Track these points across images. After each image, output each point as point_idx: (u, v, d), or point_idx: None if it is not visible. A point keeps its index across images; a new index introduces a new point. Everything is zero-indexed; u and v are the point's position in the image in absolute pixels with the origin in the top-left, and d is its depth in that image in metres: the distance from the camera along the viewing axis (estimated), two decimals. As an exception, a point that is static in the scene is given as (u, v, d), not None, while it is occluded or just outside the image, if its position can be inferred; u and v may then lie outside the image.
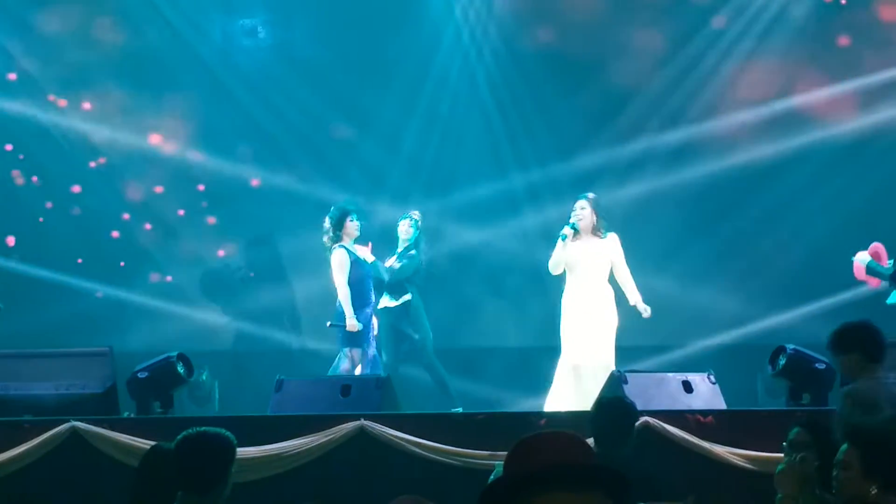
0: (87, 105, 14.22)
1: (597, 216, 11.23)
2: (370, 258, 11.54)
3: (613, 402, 6.98)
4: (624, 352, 11.32)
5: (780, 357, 9.63)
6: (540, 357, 13.46)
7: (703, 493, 6.97)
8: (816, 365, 9.50)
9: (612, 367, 10.63)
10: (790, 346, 9.67)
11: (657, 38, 14.30)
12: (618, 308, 11.21)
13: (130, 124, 14.21)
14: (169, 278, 14.16)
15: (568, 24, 14.34)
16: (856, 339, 7.22)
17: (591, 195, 11.40)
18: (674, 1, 14.36)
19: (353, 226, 11.43)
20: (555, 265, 11.18)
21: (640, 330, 11.76)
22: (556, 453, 2.96)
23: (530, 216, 14.09)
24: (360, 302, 11.32)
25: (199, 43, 14.42)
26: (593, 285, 11.14)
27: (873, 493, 4.88)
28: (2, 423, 8.98)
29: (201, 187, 14.33)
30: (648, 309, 11.21)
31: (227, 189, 14.34)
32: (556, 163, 14.28)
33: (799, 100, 14.12)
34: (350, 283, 11.28)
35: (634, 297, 11.24)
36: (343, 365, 11.25)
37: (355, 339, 11.25)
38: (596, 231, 11.21)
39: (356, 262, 11.36)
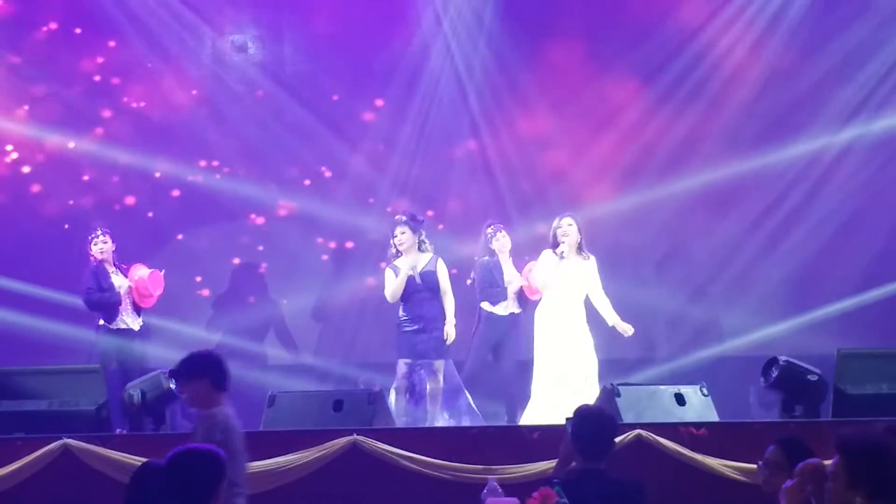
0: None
1: (580, 235, 11.25)
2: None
3: (594, 413, 6.96)
4: (615, 364, 11.34)
5: (773, 369, 9.65)
6: (532, 371, 13.50)
7: (696, 506, 6.98)
8: (809, 376, 9.52)
9: (594, 380, 10.67)
10: (782, 358, 9.68)
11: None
12: (600, 325, 11.24)
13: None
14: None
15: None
16: (204, 366, 7.28)
17: (574, 214, 11.43)
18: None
19: None
20: (544, 283, 11.16)
21: (632, 342, 11.76)
22: None
23: (522, 229, 14.09)
24: None
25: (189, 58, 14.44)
26: (572, 305, 11.14)
27: (858, 502, 4.87)
28: (-6, 441, 8.97)
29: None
30: (630, 328, 11.20)
31: (217, 204, 14.31)
32: (545, 175, 14.27)
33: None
34: None
35: (613, 318, 11.23)
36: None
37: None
38: (580, 251, 11.22)
39: None
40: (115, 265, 11.58)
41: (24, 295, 13.17)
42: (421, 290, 11.23)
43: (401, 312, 11.30)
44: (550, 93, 14.35)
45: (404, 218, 11.40)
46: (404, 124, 14.30)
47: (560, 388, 10.74)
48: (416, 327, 11.15)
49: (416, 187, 14.19)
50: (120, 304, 11.41)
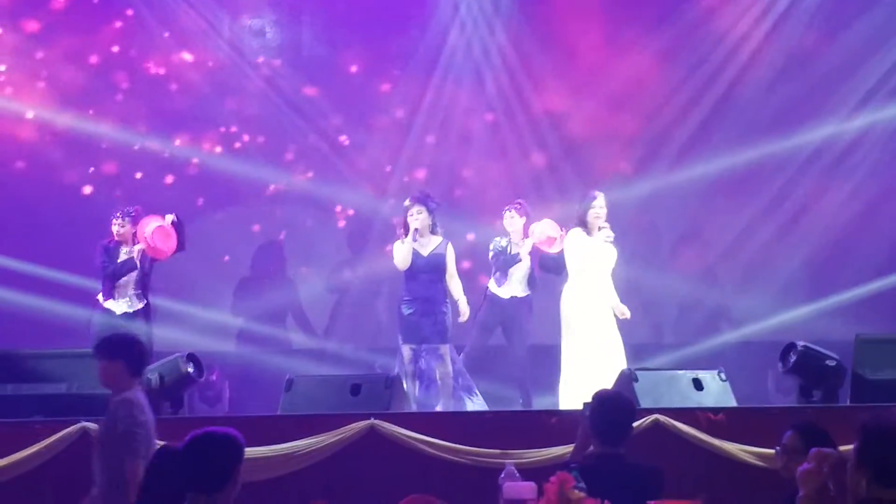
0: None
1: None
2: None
3: (612, 398, 6.96)
4: (633, 349, 11.30)
5: (791, 354, 9.62)
6: (551, 355, 13.48)
7: (714, 491, 6.97)
8: (827, 362, 9.50)
9: (623, 364, 10.63)
10: (801, 343, 9.65)
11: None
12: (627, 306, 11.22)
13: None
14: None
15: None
16: (122, 349, 7.33)
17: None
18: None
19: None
20: (582, 262, 11.14)
21: (650, 328, 11.77)
22: None
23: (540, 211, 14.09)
24: None
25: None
26: (603, 286, 11.10)
27: (863, 484, 4.88)
28: (13, 424, 9.00)
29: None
30: (627, 311, 11.17)
31: (235, 189, 14.35)
32: (563, 160, 14.27)
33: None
34: None
35: (614, 300, 11.21)
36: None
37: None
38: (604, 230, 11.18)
39: None
40: (131, 248, 11.57)
41: (42, 278, 13.21)
42: (427, 271, 11.18)
43: (403, 292, 11.28)
44: (567, 74, 14.32)
45: (422, 197, 11.38)
46: (421, 98, 14.30)
47: (589, 372, 10.67)
48: (419, 310, 11.12)
49: (439, 167, 14.21)
50: (134, 271, 11.38)
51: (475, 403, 11.01)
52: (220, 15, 14.55)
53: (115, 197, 13.78)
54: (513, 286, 11.74)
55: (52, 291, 13.13)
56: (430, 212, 11.24)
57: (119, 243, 11.47)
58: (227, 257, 14.31)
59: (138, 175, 14.33)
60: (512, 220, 11.69)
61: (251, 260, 14.36)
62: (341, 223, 14.52)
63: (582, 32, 14.30)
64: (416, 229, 11.09)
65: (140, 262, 11.36)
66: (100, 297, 11.39)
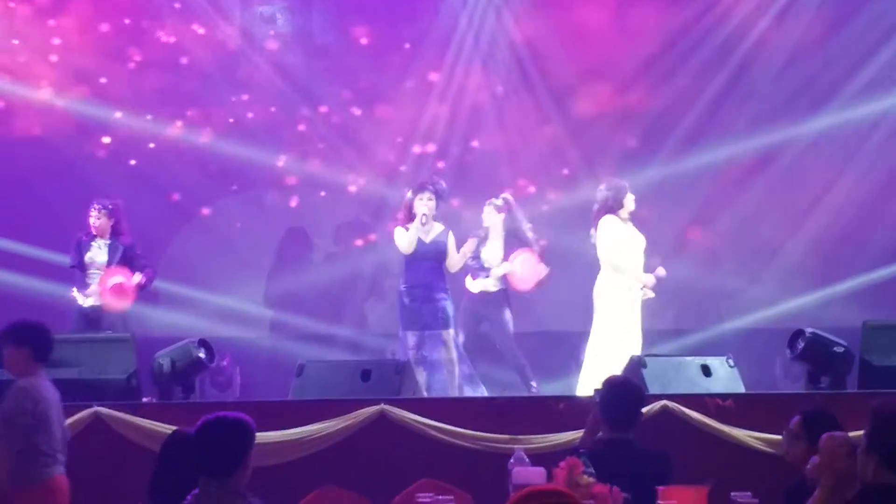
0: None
1: None
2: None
3: (622, 383, 7.00)
4: (642, 335, 11.31)
5: (799, 340, 9.62)
6: (561, 341, 13.51)
7: (722, 477, 6.98)
8: (835, 348, 9.50)
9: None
10: (809, 330, 9.66)
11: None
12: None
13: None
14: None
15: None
16: (29, 336, 7.51)
17: None
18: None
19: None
20: (623, 251, 11.05)
21: (659, 314, 11.77)
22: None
23: (555, 199, 14.11)
24: None
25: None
26: (637, 274, 11.14)
27: (872, 467, 4.91)
28: (25, 409, 9.02)
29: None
30: (661, 271, 11.18)
31: (249, 176, 14.39)
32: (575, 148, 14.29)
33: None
34: None
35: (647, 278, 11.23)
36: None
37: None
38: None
39: None
40: (110, 238, 11.59)
41: (50, 262, 13.25)
42: (428, 258, 11.20)
43: (403, 279, 11.31)
44: (577, 58, 14.34)
45: (431, 184, 11.39)
46: (433, 77, 14.35)
47: (614, 361, 10.64)
48: (419, 296, 11.14)
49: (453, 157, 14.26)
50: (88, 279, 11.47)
51: (476, 392, 11.04)
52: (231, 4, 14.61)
53: (129, 166, 13.83)
54: (486, 282, 11.78)
55: (63, 276, 13.16)
56: (439, 198, 11.27)
57: (95, 236, 11.53)
58: (234, 241, 14.32)
59: (151, 145, 14.35)
60: (490, 216, 11.62)
61: (262, 244, 14.38)
62: (353, 204, 14.52)
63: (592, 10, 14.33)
64: (423, 214, 11.11)
65: (110, 259, 11.42)
66: (74, 289, 11.47)
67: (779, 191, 14.00)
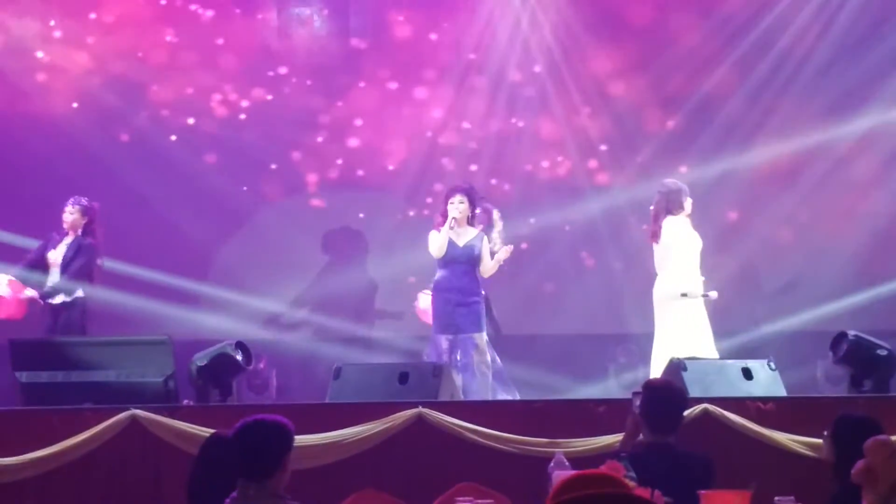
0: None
1: None
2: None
3: (663, 386, 6.94)
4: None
5: (842, 343, 9.55)
6: (598, 343, 13.47)
7: (764, 480, 6.90)
8: (878, 351, 9.42)
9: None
10: (852, 333, 9.58)
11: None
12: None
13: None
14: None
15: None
16: None
17: None
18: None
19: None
20: (690, 250, 11.05)
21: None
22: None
23: (584, 201, 14.06)
24: None
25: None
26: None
27: None
28: (63, 411, 9.05)
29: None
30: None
31: (283, 180, 14.41)
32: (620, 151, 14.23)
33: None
34: None
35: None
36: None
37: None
38: None
39: None
40: (79, 235, 11.57)
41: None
42: (462, 262, 11.14)
43: (436, 281, 11.25)
44: (617, 56, 14.29)
45: (464, 187, 11.34)
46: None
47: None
48: (452, 300, 11.09)
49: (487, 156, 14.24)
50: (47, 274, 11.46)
51: (509, 395, 10.99)
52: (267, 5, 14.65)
53: (169, 142, 13.85)
54: None
55: (102, 279, 13.19)
56: (472, 202, 11.21)
57: (67, 233, 11.53)
58: (269, 243, 14.32)
59: (190, 121, 14.36)
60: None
61: (299, 245, 14.37)
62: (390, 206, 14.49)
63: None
64: (453, 218, 11.07)
65: (64, 256, 11.40)
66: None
67: (823, 190, 13.89)
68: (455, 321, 11.03)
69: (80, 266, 11.47)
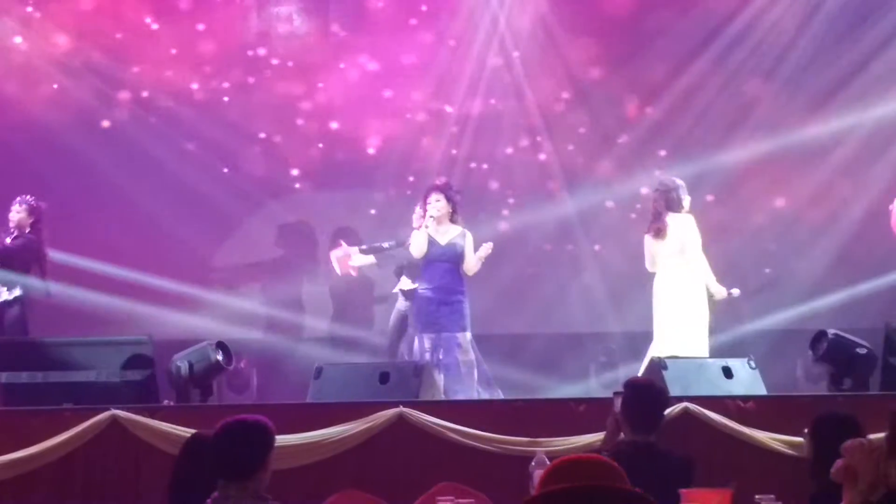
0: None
1: None
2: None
3: (644, 385, 6.95)
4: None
5: (822, 342, 9.58)
6: (577, 344, 13.48)
7: (745, 479, 6.93)
8: (858, 350, 9.46)
9: None
10: (831, 331, 9.61)
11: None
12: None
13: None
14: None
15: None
16: None
17: None
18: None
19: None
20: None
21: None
22: (592, 477, 3.11)
23: (566, 200, 14.05)
24: None
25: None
26: None
27: (893, 472, 4.86)
28: (43, 412, 9.02)
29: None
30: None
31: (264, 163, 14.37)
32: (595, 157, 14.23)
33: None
34: None
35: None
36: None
37: None
38: None
39: None
40: (17, 235, 11.54)
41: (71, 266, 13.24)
42: (444, 260, 11.15)
43: (420, 281, 11.27)
44: (596, 44, 14.30)
45: (441, 186, 11.34)
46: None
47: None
48: (436, 299, 11.09)
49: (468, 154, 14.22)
50: None
51: (493, 395, 10.99)
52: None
53: (148, 129, 13.82)
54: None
55: (81, 279, 13.16)
56: (449, 200, 11.21)
57: (13, 232, 11.51)
58: (251, 244, 14.28)
59: (169, 104, 14.34)
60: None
61: (279, 246, 14.35)
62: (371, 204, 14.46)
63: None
64: (431, 217, 11.07)
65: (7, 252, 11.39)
66: None
67: (800, 191, 13.91)
68: (438, 320, 11.03)
69: (21, 262, 11.43)
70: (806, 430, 6.51)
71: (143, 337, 9.88)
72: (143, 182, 13.84)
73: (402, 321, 11.83)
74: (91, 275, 13.10)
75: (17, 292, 11.39)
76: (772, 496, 6.30)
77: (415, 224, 11.47)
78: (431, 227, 11.09)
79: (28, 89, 14.10)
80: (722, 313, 12.58)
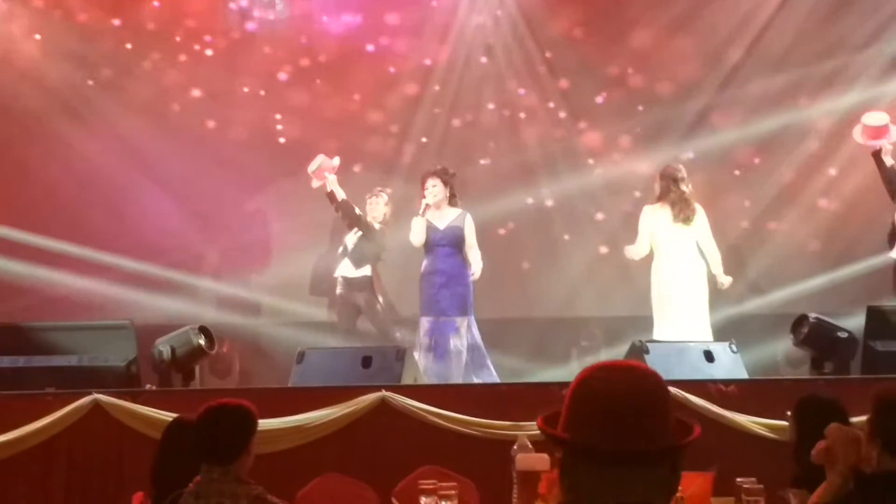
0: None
1: None
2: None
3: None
4: (643, 321, 11.29)
5: (803, 326, 9.62)
6: (559, 328, 13.48)
7: (726, 462, 6.95)
8: (839, 334, 9.49)
9: None
10: (812, 315, 9.65)
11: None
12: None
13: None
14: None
15: None
16: None
17: None
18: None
19: None
20: None
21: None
22: (629, 416, 2.94)
23: (551, 183, 14.04)
24: None
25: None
26: None
27: (875, 454, 4.88)
28: (25, 396, 9.02)
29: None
30: None
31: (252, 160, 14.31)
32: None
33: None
34: None
35: None
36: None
37: None
38: None
39: None
40: None
41: (52, 250, 13.20)
42: (444, 244, 11.17)
43: (423, 265, 11.29)
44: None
45: (437, 170, 11.35)
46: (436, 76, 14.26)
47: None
48: (437, 283, 11.12)
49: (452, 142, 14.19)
50: None
51: (488, 381, 11.01)
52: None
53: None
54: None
55: (64, 264, 13.13)
56: (446, 184, 11.23)
57: None
58: (234, 227, 14.21)
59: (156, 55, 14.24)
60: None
61: (262, 229, 14.29)
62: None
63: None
64: (427, 204, 11.11)
65: None
66: None
67: (782, 174, 13.92)
68: (438, 303, 11.07)
69: None
70: (789, 413, 6.52)
71: (125, 321, 9.86)
72: (122, 164, 13.77)
73: (345, 307, 11.92)
74: (72, 259, 13.06)
75: None
76: (753, 479, 6.34)
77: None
78: (430, 213, 11.14)
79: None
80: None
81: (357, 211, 11.90)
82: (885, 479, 4.83)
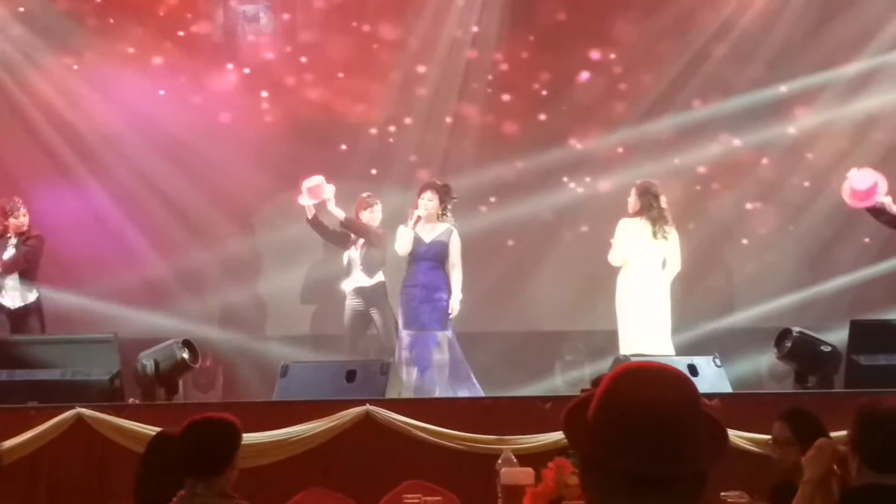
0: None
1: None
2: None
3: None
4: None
5: (786, 340, 9.64)
6: (543, 342, 13.48)
7: (709, 477, 6.95)
8: (822, 347, 9.51)
9: None
10: (796, 329, 9.66)
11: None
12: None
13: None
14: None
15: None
16: None
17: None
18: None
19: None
20: None
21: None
22: (656, 440, 2.88)
23: (545, 197, 14.03)
24: None
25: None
26: None
27: (855, 468, 4.89)
28: (7, 410, 8.99)
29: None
30: None
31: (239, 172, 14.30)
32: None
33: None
34: None
35: None
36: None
37: None
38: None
39: None
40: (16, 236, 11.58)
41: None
42: (427, 258, 11.18)
43: (404, 277, 11.29)
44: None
45: (436, 185, 11.36)
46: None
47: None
48: (418, 296, 11.12)
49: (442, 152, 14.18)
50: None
51: (472, 394, 11.00)
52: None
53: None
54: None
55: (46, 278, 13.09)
56: (442, 200, 11.24)
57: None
58: (217, 239, 14.17)
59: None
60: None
61: (247, 244, 14.26)
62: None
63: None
64: (418, 216, 11.11)
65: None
66: None
67: (765, 188, 13.94)
68: (419, 318, 11.07)
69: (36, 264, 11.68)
70: (775, 437, 6.44)
71: (109, 335, 9.86)
72: (105, 178, 13.76)
73: (358, 319, 11.85)
74: (56, 273, 13.01)
75: (36, 294, 11.48)
76: (737, 493, 6.34)
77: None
78: (418, 225, 11.14)
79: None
80: (687, 311, 12.67)
81: (363, 222, 11.87)
82: (866, 492, 4.84)
